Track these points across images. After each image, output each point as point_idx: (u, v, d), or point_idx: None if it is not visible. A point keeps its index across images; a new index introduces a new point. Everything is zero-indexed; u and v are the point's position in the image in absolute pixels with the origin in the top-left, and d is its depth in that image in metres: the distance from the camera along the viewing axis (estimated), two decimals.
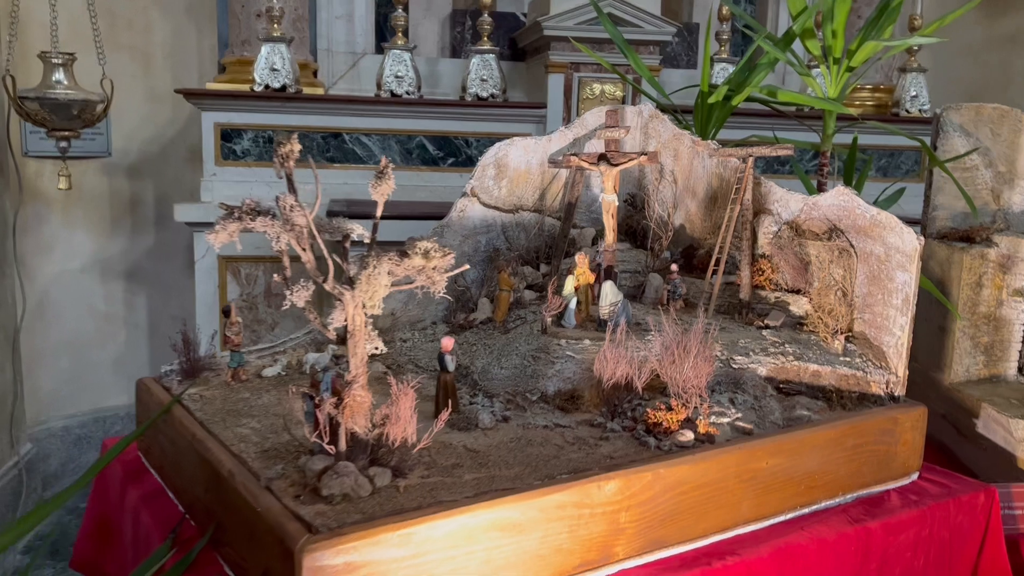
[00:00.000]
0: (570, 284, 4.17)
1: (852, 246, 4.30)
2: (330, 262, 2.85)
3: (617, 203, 4.18)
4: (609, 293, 4.05)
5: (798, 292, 4.57)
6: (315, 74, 10.63)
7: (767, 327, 4.34)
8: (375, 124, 10.01)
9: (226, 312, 3.97)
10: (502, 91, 10.39)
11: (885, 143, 11.26)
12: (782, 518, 3.22)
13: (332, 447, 2.79)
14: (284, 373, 4.06)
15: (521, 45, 11.38)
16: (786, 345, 4.15)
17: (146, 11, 10.81)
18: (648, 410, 3.21)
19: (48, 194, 10.12)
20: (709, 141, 4.82)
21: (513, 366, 3.89)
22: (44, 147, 9.75)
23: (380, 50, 10.74)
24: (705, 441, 3.09)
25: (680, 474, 3.19)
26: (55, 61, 8.17)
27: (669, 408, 3.12)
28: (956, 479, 3.61)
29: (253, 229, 2.91)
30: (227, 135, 9.80)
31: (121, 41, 10.54)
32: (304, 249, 2.90)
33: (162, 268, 11.16)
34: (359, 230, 3.06)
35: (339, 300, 2.85)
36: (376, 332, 2.91)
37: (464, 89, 10.34)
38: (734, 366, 3.96)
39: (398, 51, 10.01)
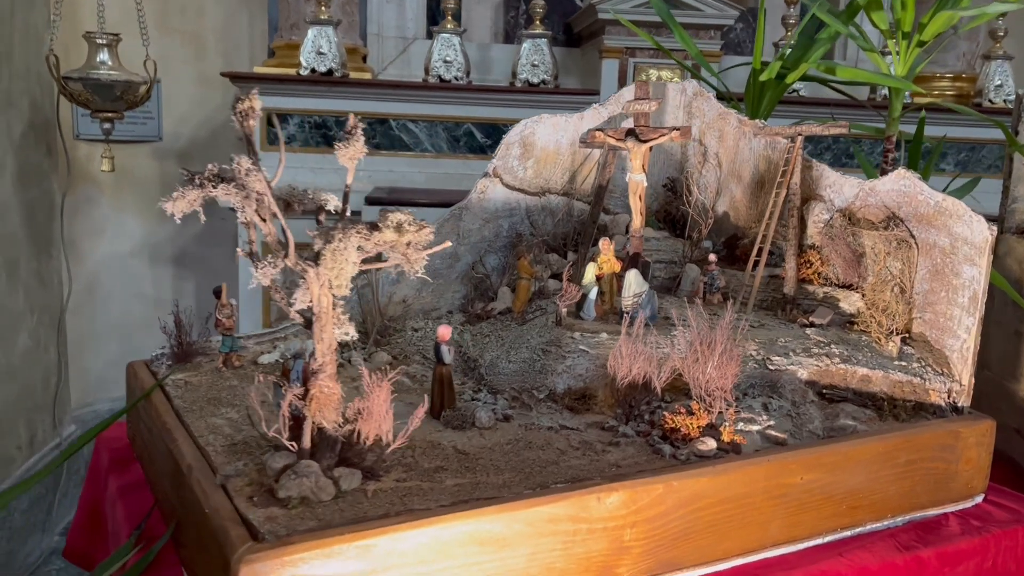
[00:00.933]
0: (591, 272, 3.80)
1: (912, 236, 3.82)
2: (289, 234, 2.56)
3: (645, 184, 3.79)
4: (633, 283, 3.67)
5: (849, 287, 4.10)
6: (364, 59, 10.43)
7: (812, 325, 3.90)
8: (422, 110, 9.75)
9: (216, 293, 3.72)
10: (554, 77, 10.01)
11: (965, 135, 10.49)
12: (818, 541, 2.83)
13: (294, 444, 2.49)
14: (282, 360, 3.79)
15: (576, 30, 10.99)
16: (832, 346, 3.70)
17: None
18: (666, 414, 2.81)
19: (98, 177, 10.15)
20: (757, 120, 4.38)
21: (522, 360, 3.54)
22: (95, 130, 9.76)
23: (431, 35, 10.48)
24: (729, 451, 2.70)
25: (698, 487, 2.81)
26: (100, 42, 8.12)
27: (690, 412, 2.73)
28: None
29: (215, 196, 2.64)
30: (273, 120, 9.66)
31: (173, 25, 10.52)
32: (264, 220, 2.61)
33: (210, 254, 11.12)
34: (335, 201, 2.76)
35: (303, 278, 2.54)
36: (347, 316, 2.60)
37: (514, 75, 10.01)
38: (771, 367, 3.54)
39: (447, 35, 9.73)
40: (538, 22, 10.08)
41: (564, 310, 3.75)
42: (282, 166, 2.63)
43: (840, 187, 4.11)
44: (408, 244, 2.46)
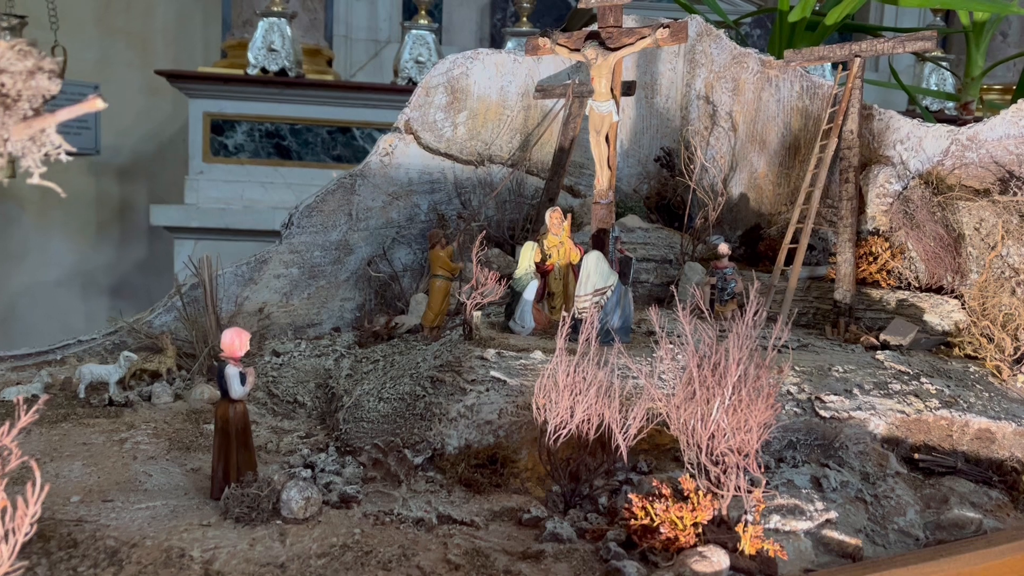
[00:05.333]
0: (528, 256, 2.39)
1: None
2: None
3: (617, 119, 2.38)
4: (593, 273, 2.24)
5: (939, 290, 2.66)
6: (330, 63, 9.25)
7: (885, 347, 2.45)
8: (391, 117, 8.48)
9: None
10: None
11: None
12: None
13: None
14: (39, 395, 2.35)
15: (581, 5, 9.72)
16: (923, 380, 2.25)
17: None
18: (634, 497, 1.27)
19: (20, 192, 8.88)
20: (787, 52, 2.97)
21: (399, 397, 2.11)
22: None
23: None
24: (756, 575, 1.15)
25: None
26: (1, 24, 6.93)
27: (679, 494, 1.18)
28: None
29: None
30: (218, 127, 8.45)
31: (116, 24, 9.35)
32: None
33: (154, 283, 9.76)
34: None
35: None
36: None
37: None
38: (822, 413, 2.08)
39: (420, 32, 8.51)
40: (525, 19, 8.78)
41: (477, 315, 2.30)
42: None
43: (919, 141, 2.70)
44: None
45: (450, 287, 2.80)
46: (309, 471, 1.90)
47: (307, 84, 8.43)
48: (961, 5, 3.27)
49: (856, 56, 2.59)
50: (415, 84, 8.87)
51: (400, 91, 8.66)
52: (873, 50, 2.62)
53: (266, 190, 8.50)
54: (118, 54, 9.43)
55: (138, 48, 9.77)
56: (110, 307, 9.87)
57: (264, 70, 8.41)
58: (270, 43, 8.42)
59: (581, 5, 2.84)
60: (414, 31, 8.80)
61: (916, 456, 2.09)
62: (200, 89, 8.55)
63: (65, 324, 9.46)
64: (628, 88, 3.07)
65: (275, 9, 8.27)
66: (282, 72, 8.48)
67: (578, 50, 2.49)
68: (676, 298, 2.05)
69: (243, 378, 1.79)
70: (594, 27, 2.68)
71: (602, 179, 2.46)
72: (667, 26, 2.43)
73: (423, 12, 8.87)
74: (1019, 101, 2.44)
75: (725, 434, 1.63)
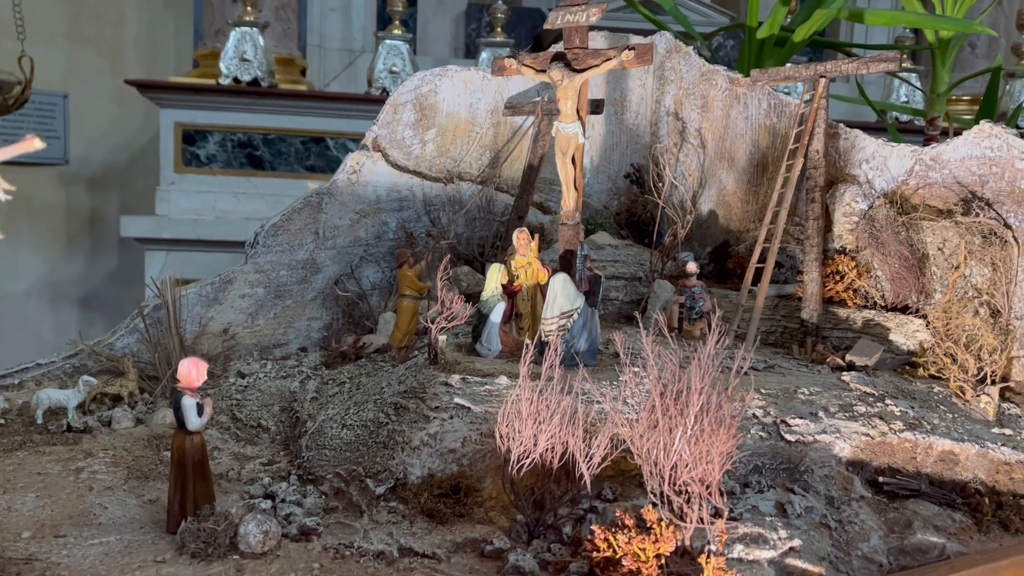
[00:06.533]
0: (494, 279, 2.37)
1: (1008, 227, 2.41)
2: None
3: (583, 140, 2.37)
4: (560, 295, 2.23)
5: (904, 309, 2.67)
6: (303, 73, 9.20)
7: (851, 368, 2.45)
8: (365, 128, 8.43)
9: None
10: None
11: None
12: None
13: None
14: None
15: (546, 43, 9.74)
16: (888, 401, 2.25)
17: (119, 1, 9.53)
18: (596, 528, 1.23)
19: None
20: (753, 72, 2.98)
21: (362, 424, 2.08)
22: None
23: None
24: None
25: None
26: None
27: (642, 525, 1.15)
28: None
29: None
30: (190, 137, 8.37)
31: (87, 33, 9.25)
32: None
33: (125, 295, 9.63)
34: None
35: None
36: None
37: None
38: (788, 436, 2.08)
39: (394, 42, 8.48)
40: (499, 29, 8.78)
41: (442, 339, 2.28)
42: None
43: (884, 160, 2.71)
44: None
45: (418, 306, 2.78)
46: (270, 501, 1.87)
47: (280, 94, 8.37)
48: (926, 24, 3.30)
49: (821, 77, 2.60)
50: (389, 94, 8.86)
51: (374, 101, 8.65)
52: (838, 71, 2.63)
53: (239, 201, 8.43)
54: (88, 63, 9.33)
55: (109, 57, 9.68)
56: (80, 319, 9.74)
57: (236, 80, 8.35)
58: (242, 53, 8.37)
59: (547, 26, 2.83)
60: (388, 41, 8.78)
61: (881, 479, 2.09)
62: (171, 99, 8.47)
63: (35, 336, 9.34)
64: (596, 106, 3.06)
65: (247, 19, 8.22)
66: (255, 82, 8.43)
67: (544, 71, 2.48)
68: (641, 324, 2.04)
69: (200, 409, 1.75)
70: (560, 47, 2.67)
71: (569, 200, 2.45)
72: (633, 48, 2.43)
73: (397, 22, 8.86)
74: (981, 123, 2.46)
75: (687, 464, 1.62)
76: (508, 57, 2.65)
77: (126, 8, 9.71)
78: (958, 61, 4.35)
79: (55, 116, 8.84)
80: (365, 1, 9.82)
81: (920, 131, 5.37)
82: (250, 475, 2.14)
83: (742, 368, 1.75)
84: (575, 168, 2.47)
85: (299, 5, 9.44)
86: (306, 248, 2.96)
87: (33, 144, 1.38)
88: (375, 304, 3.07)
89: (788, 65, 2.72)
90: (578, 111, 2.43)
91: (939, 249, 2.50)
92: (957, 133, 4.58)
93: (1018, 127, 9.58)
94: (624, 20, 8.14)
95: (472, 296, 3.15)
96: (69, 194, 9.57)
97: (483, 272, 3.32)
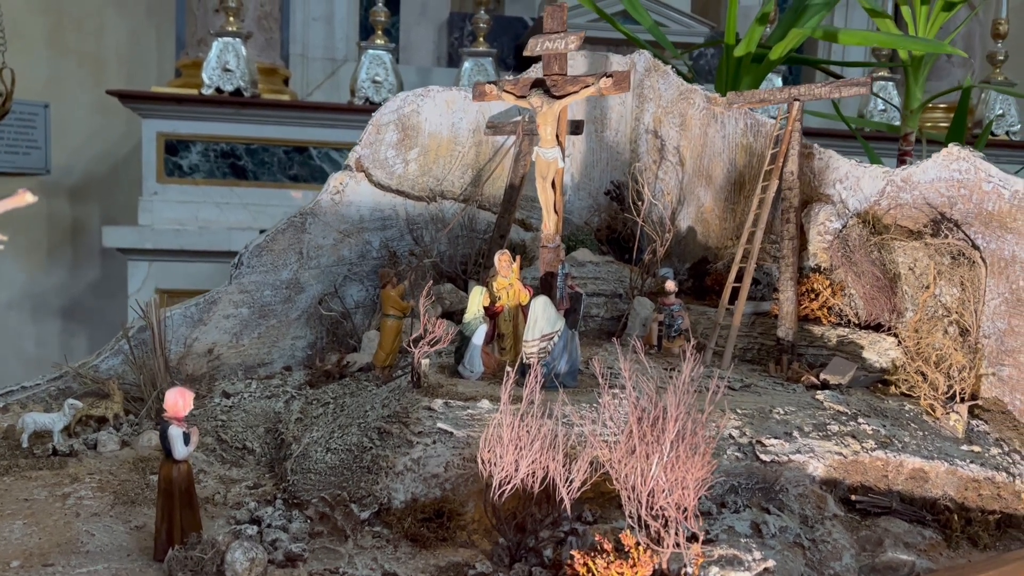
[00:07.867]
0: (476, 301, 2.41)
1: (976, 247, 2.48)
2: None
3: (563, 165, 2.42)
4: (540, 318, 2.27)
5: (877, 328, 2.73)
6: (286, 82, 9.21)
7: (825, 386, 2.51)
8: (348, 137, 8.47)
9: None
10: None
11: None
12: None
13: None
14: None
15: (527, 53, 9.78)
16: (860, 420, 2.31)
17: (100, 11, 9.50)
18: (576, 553, 1.27)
19: None
20: (731, 93, 3.04)
21: (346, 448, 2.12)
22: None
23: None
24: None
25: None
26: None
27: (620, 549, 1.20)
28: None
29: None
30: (172, 147, 8.36)
31: (67, 44, 9.23)
32: None
33: (107, 305, 9.60)
34: None
35: None
36: None
37: None
38: (763, 457, 2.13)
39: (377, 51, 8.51)
40: (481, 39, 8.82)
41: (425, 362, 2.33)
42: None
43: (857, 181, 2.78)
44: None
45: (401, 326, 2.81)
46: (255, 527, 1.90)
47: (263, 104, 8.37)
48: (899, 44, 3.37)
49: (795, 100, 2.66)
50: (372, 104, 8.89)
51: (357, 111, 8.68)
52: (811, 94, 2.70)
53: (222, 210, 8.43)
54: (70, 73, 9.31)
55: (90, 67, 9.67)
56: (62, 329, 9.73)
57: (219, 90, 8.35)
58: (225, 63, 8.37)
59: (526, 53, 2.87)
60: (371, 51, 8.81)
61: (853, 497, 2.15)
62: (153, 109, 8.48)
63: (16, 347, 9.31)
64: (576, 127, 3.11)
65: (230, 29, 8.22)
66: (237, 92, 8.43)
67: (524, 96, 2.53)
68: (619, 348, 2.10)
69: (187, 438, 1.78)
70: (539, 74, 2.71)
71: (549, 224, 2.50)
72: (611, 75, 2.48)
73: (380, 32, 8.89)
74: (949, 146, 2.53)
75: (664, 490, 1.67)
76: (489, 83, 2.69)
77: (107, 18, 9.70)
78: (934, 69, 4.41)
79: (36, 126, 8.82)
80: (348, 11, 9.83)
81: (894, 139, 5.46)
82: (236, 499, 2.17)
83: (717, 392, 1.80)
84: (555, 192, 2.52)
85: (282, 15, 9.44)
86: (290, 268, 2.99)
87: (25, 199, 1.41)
88: (359, 323, 3.11)
89: (763, 88, 2.78)
90: (557, 136, 2.49)
91: (910, 269, 2.57)
92: (931, 142, 4.69)
93: (992, 135, 9.72)
94: (602, 30, 8.16)
95: (455, 314, 3.20)
96: (51, 204, 9.55)
97: (466, 290, 3.37)
